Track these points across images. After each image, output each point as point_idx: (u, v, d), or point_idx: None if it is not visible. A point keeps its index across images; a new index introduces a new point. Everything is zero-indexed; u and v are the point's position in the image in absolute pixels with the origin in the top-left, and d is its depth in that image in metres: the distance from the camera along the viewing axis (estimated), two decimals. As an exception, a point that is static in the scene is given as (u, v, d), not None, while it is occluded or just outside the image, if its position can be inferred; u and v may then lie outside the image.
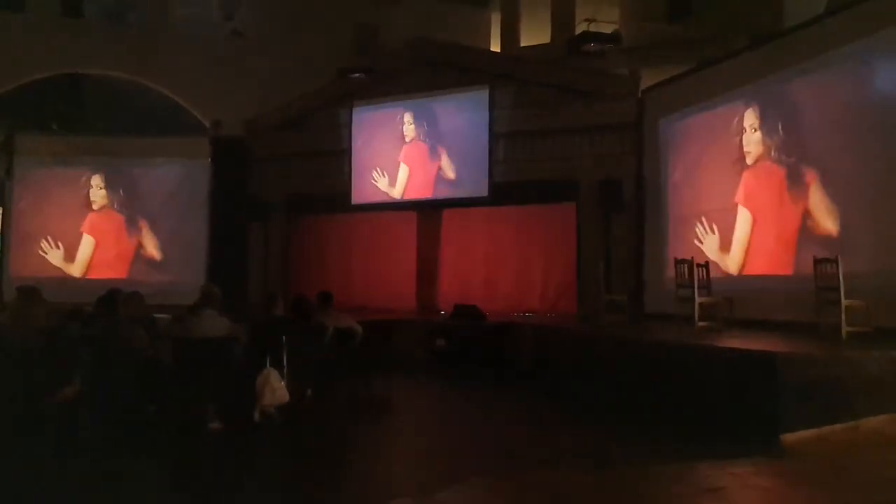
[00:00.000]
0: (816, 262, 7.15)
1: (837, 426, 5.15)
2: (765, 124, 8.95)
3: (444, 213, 12.67)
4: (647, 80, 11.22)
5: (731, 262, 9.27)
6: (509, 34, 16.99)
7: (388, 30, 16.06)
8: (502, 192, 11.83)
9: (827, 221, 7.97)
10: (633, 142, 11.14)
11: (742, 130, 9.23)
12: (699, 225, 9.73)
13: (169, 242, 13.59)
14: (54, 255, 13.60)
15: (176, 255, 13.49)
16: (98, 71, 15.63)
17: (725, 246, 9.34)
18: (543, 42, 16.08)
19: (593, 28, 11.12)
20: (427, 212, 12.75)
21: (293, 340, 6.35)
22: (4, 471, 4.40)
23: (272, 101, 13.97)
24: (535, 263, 11.86)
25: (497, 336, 9.55)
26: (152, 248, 13.65)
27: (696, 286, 8.07)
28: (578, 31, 12.57)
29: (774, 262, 8.66)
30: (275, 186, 13.59)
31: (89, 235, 13.73)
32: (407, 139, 12.76)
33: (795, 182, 8.43)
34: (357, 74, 12.50)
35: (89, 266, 13.68)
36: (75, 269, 13.63)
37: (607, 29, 12.29)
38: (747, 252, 9.10)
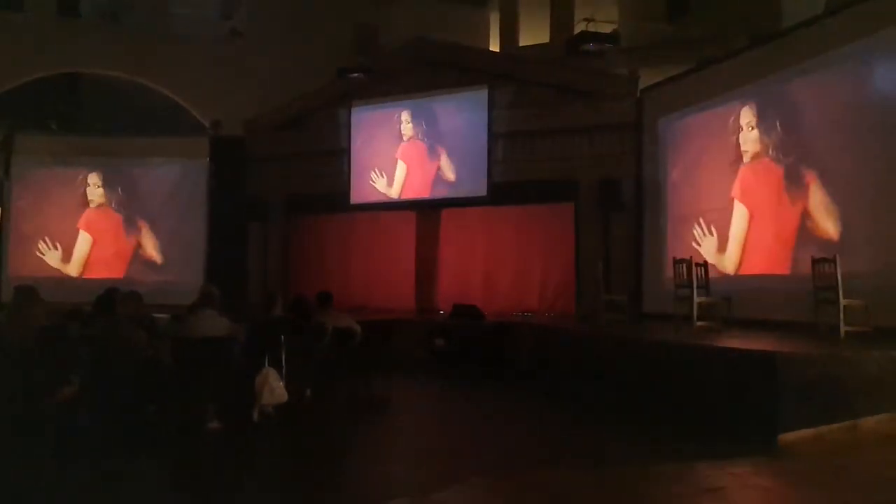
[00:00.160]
0: (814, 261, 7.15)
1: (836, 426, 5.15)
2: (762, 123, 8.94)
3: (443, 212, 12.65)
4: (647, 79, 11.21)
5: (728, 260, 9.26)
6: (508, 34, 16.98)
7: (388, 30, 16.07)
8: (501, 192, 11.83)
9: (826, 222, 7.96)
10: (632, 142, 11.14)
11: (739, 129, 9.23)
12: (697, 227, 9.72)
13: (168, 242, 13.56)
14: (52, 256, 13.56)
15: (175, 255, 13.46)
16: (97, 71, 15.62)
17: (723, 247, 9.33)
18: (542, 42, 16.07)
19: (592, 28, 11.08)
20: (426, 212, 12.74)
21: (292, 340, 6.36)
22: (4, 471, 4.40)
23: (272, 101, 13.95)
24: (534, 263, 11.84)
25: (496, 336, 9.56)
26: (151, 249, 13.61)
27: (694, 286, 8.07)
28: (577, 30, 12.50)
29: (772, 261, 8.66)
30: (274, 186, 13.58)
31: (86, 232, 13.68)
32: (405, 137, 12.75)
33: (794, 182, 8.43)
34: (356, 74, 12.46)
35: (86, 265, 13.63)
36: (72, 268, 13.59)
37: (606, 29, 12.28)
38: (744, 249, 9.09)
